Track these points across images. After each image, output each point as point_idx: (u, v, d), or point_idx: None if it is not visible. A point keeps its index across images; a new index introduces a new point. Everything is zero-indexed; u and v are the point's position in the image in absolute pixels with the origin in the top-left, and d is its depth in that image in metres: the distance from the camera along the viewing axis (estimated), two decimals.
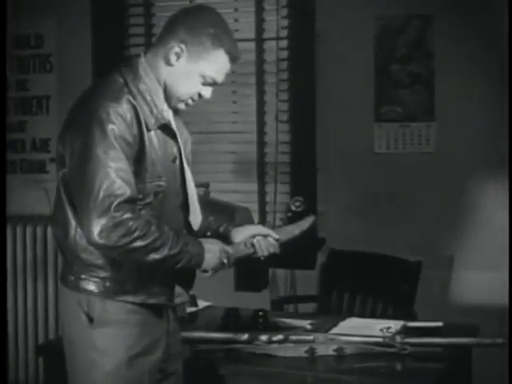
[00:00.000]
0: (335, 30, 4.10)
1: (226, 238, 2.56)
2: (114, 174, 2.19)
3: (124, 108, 2.24)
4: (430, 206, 4.02)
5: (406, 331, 2.83)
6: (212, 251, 2.37)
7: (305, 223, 2.72)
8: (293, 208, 4.03)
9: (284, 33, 4.25)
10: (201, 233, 2.56)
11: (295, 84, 4.24)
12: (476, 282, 3.94)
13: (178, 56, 2.31)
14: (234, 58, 2.35)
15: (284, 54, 4.27)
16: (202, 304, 3.33)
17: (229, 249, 2.44)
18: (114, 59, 4.50)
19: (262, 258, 2.56)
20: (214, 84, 2.37)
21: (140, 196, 2.27)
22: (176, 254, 2.27)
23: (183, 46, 2.30)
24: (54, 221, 2.39)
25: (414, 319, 3.25)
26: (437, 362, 2.64)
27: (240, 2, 4.35)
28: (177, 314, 2.51)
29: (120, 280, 2.31)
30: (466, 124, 3.95)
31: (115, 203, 2.17)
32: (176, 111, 2.44)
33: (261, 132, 4.34)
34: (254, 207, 4.29)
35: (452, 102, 3.97)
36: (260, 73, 4.31)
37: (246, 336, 2.77)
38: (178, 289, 2.44)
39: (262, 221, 4.29)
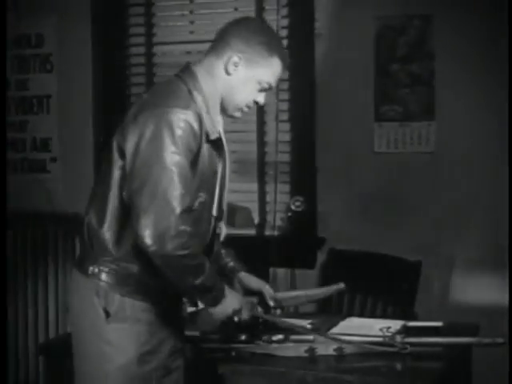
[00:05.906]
0: (335, 29, 4.10)
1: (230, 280, 2.66)
2: (177, 180, 2.21)
3: (191, 116, 2.29)
4: (429, 206, 4.01)
5: (406, 331, 2.83)
6: (234, 300, 2.48)
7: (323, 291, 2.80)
8: (293, 208, 4.03)
9: (284, 32, 4.25)
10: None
11: (295, 84, 4.24)
12: (476, 282, 3.93)
13: (236, 65, 2.40)
14: (285, 64, 2.48)
15: None
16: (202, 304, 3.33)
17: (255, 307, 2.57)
18: (114, 59, 4.51)
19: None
20: (269, 89, 2.47)
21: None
22: (210, 287, 2.36)
23: (241, 55, 2.39)
24: (92, 208, 2.39)
25: (414, 319, 3.25)
26: (437, 362, 2.64)
27: (240, 2, 4.35)
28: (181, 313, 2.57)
29: (144, 280, 2.34)
30: (466, 124, 3.95)
31: (177, 212, 2.19)
32: None
33: (261, 131, 4.33)
34: (254, 207, 4.29)
35: (452, 101, 3.96)
36: None
37: (246, 336, 2.77)
38: None
39: (263, 220, 4.29)
